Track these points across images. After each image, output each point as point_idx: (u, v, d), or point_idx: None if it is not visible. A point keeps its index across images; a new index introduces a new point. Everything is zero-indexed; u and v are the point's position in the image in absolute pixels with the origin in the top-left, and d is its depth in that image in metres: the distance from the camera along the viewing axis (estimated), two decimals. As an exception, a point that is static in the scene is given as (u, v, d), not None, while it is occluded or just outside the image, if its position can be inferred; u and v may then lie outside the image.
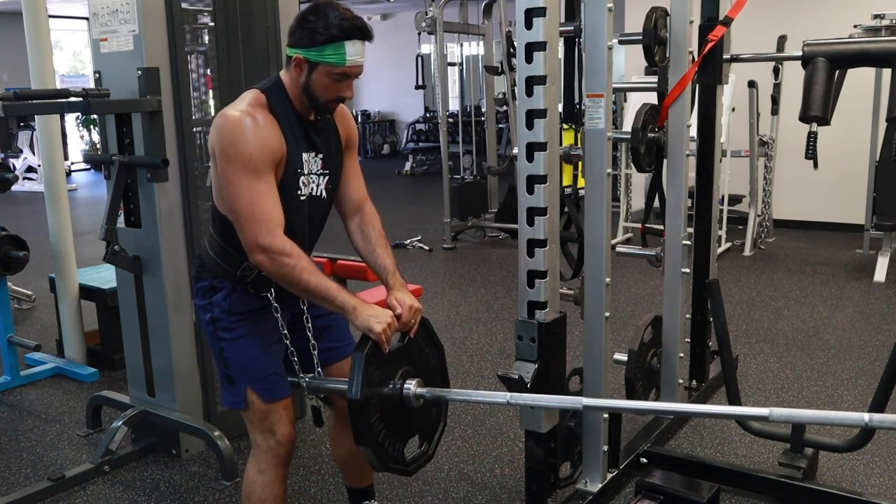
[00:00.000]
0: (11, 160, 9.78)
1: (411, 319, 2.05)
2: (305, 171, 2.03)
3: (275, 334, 2.11)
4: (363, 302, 1.97)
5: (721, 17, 3.13)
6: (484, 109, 7.63)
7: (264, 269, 1.94)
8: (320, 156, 2.07)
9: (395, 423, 2.02)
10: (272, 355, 2.11)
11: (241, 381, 2.08)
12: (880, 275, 5.54)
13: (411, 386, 2.02)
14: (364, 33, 1.93)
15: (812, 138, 3.45)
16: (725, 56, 3.21)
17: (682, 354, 3.24)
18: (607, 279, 2.56)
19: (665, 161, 3.09)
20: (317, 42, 1.90)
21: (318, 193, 2.09)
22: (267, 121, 1.94)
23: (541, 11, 2.17)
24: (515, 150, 2.35)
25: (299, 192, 2.03)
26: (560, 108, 2.58)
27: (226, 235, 2.04)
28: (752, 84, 6.20)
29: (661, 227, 3.21)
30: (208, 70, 3.11)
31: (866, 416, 1.52)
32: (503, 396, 2.04)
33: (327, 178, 2.10)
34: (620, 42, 3.09)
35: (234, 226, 1.96)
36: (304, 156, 2.03)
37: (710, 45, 3.06)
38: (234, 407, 2.13)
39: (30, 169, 11.41)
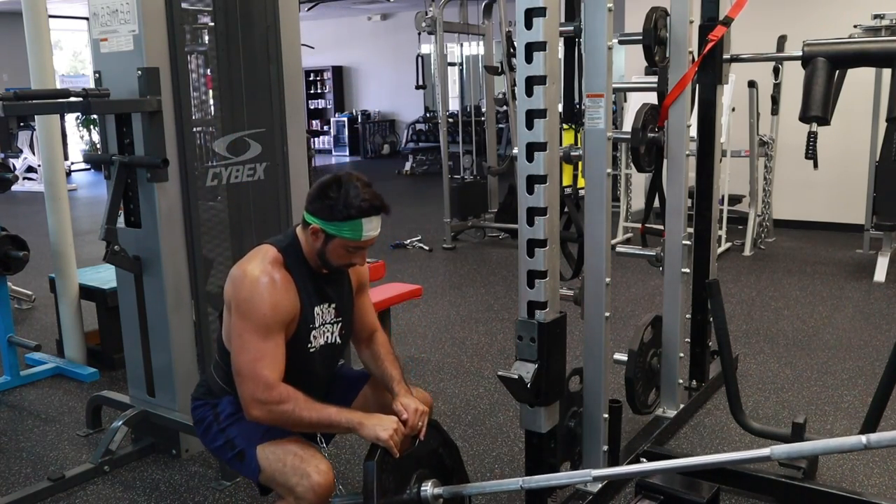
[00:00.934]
0: (11, 160, 9.78)
1: (418, 422, 2.08)
2: (317, 324, 2.12)
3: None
4: (366, 414, 2.03)
5: (721, 17, 3.13)
6: (484, 109, 7.63)
7: (263, 422, 2.00)
8: (333, 305, 2.16)
9: None
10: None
11: (249, 446, 2.07)
12: (880, 275, 5.54)
13: (427, 487, 2.06)
14: (382, 210, 2.02)
15: (812, 138, 3.45)
16: (725, 56, 3.21)
17: (682, 354, 3.24)
18: (607, 279, 2.56)
19: (665, 161, 3.09)
20: (335, 218, 1.98)
21: (333, 341, 2.18)
22: (283, 281, 2.02)
23: (541, 11, 2.17)
24: (515, 150, 2.35)
25: (310, 346, 2.12)
26: (560, 108, 2.58)
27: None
28: (752, 84, 6.20)
29: (661, 227, 3.21)
30: (208, 70, 3.11)
31: (864, 439, 1.54)
32: (516, 483, 2.09)
33: (340, 324, 2.20)
34: (620, 42, 3.09)
35: (234, 376, 2.01)
36: (317, 309, 2.12)
37: (710, 45, 3.06)
38: (255, 477, 2.06)
39: (30, 169, 11.41)
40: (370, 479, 1.92)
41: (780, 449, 1.65)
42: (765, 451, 1.66)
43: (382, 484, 1.93)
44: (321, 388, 2.22)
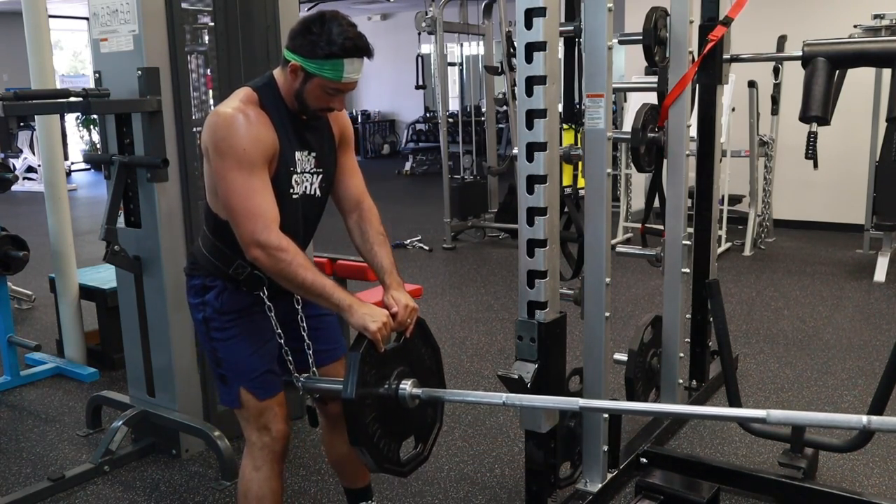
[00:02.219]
0: (11, 160, 9.79)
1: (407, 319, 2.04)
2: (298, 170, 2.03)
3: (268, 333, 2.11)
4: (359, 300, 1.97)
5: (721, 17, 3.13)
6: (484, 109, 7.63)
7: (260, 265, 1.93)
8: (313, 154, 2.07)
9: (391, 423, 2.01)
10: (265, 354, 2.11)
11: (235, 381, 2.08)
12: (880, 275, 5.54)
13: (407, 386, 2.01)
14: (365, 52, 1.94)
15: (812, 138, 3.45)
16: (725, 56, 3.21)
17: (682, 354, 3.24)
18: (607, 279, 2.56)
19: (665, 161, 3.09)
20: (316, 55, 1.90)
21: (312, 192, 2.09)
22: (259, 117, 1.94)
23: (541, 11, 2.17)
24: (515, 150, 2.35)
25: (292, 191, 2.03)
26: (560, 108, 2.58)
27: (218, 233, 2.04)
28: (752, 84, 6.20)
29: (661, 227, 3.21)
30: (208, 70, 3.11)
31: (865, 419, 1.51)
32: (499, 397, 2.03)
33: (321, 176, 2.10)
34: (620, 42, 3.09)
35: (230, 222, 1.95)
36: (297, 154, 2.02)
37: (710, 45, 3.06)
38: (229, 405, 2.14)
39: (30, 169, 11.41)
40: (352, 371, 1.89)
41: (777, 413, 1.62)
42: (761, 413, 1.64)
43: (363, 375, 1.91)
44: (303, 243, 2.12)
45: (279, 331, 2.10)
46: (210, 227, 2.08)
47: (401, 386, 2.01)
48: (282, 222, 1.95)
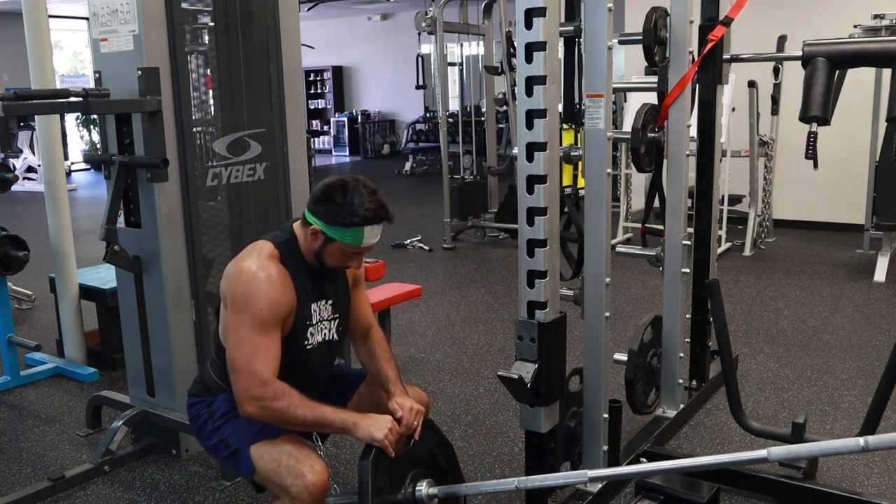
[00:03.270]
0: (11, 160, 9.78)
1: (413, 421, 2.08)
2: (314, 321, 2.12)
3: None
4: (361, 415, 2.01)
5: (721, 17, 3.13)
6: (484, 109, 7.63)
7: (258, 419, 1.99)
8: (330, 302, 2.16)
9: None
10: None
11: (244, 444, 2.07)
12: (880, 275, 5.54)
13: (423, 487, 2.05)
14: (384, 219, 2.02)
15: (812, 138, 3.44)
16: (725, 56, 3.21)
17: (682, 354, 3.24)
18: (607, 279, 2.56)
19: (665, 161, 3.08)
20: (338, 223, 1.98)
21: (330, 337, 2.18)
22: (280, 276, 2.01)
23: (541, 11, 2.17)
24: (515, 150, 2.35)
25: (307, 342, 2.11)
26: (560, 108, 2.57)
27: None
28: (752, 84, 6.20)
29: (661, 227, 3.21)
30: (208, 70, 3.10)
31: (862, 441, 1.53)
32: (511, 483, 2.08)
33: (338, 321, 2.19)
34: (620, 42, 3.08)
35: (229, 371, 2.00)
36: (314, 306, 2.11)
37: (710, 45, 3.06)
38: (250, 476, 2.07)
39: (30, 169, 11.41)
40: (364, 479, 1.91)
41: (778, 450, 1.64)
42: (762, 453, 1.66)
43: (377, 484, 1.93)
44: (318, 385, 2.22)
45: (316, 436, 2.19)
46: (222, 358, 2.12)
47: (417, 488, 2.05)
48: (296, 371, 2.04)
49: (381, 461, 1.96)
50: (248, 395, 1.95)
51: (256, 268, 1.99)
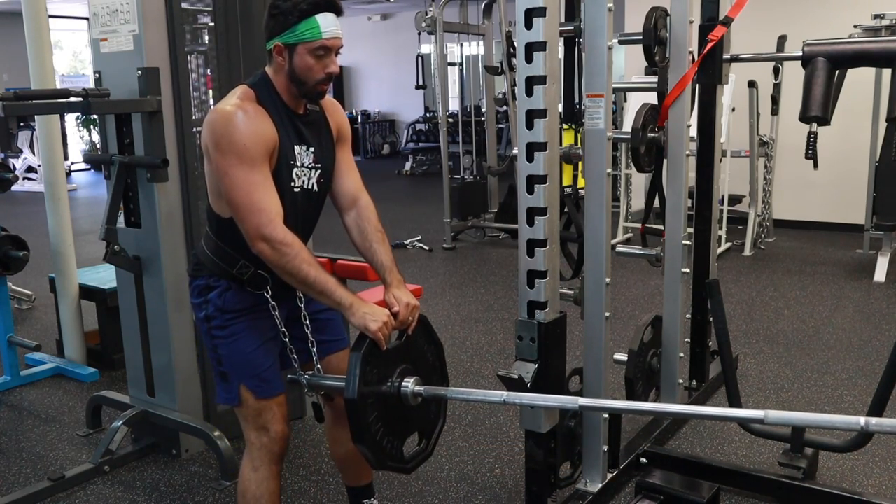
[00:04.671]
0: (11, 160, 9.79)
1: (409, 317, 2.05)
2: (298, 164, 2.04)
3: (271, 331, 2.11)
4: (360, 300, 1.97)
5: (721, 17, 3.13)
6: (484, 109, 7.63)
7: (265, 258, 1.94)
8: (311, 149, 2.08)
9: (394, 421, 2.02)
10: (267, 352, 2.11)
11: (235, 379, 2.08)
12: (880, 275, 5.54)
13: (409, 384, 2.02)
14: (333, 6, 1.95)
15: (812, 138, 3.45)
16: (725, 56, 3.21)
17: (682, 354, 3.24)
18: (607, 279, 2.56)
19: (665, 161, 3.09)
20: (289, 24, 1.93)
21: (310, 187, 2.09)
22: (258, 112, 1.96)
23: (541, 11, 2.17)
24: (515, 150, 2.35)
25: (293, 184, 2.04)
26: (560, 108, 2.58)
27: (221, 233, 2.04)
28: (752, 84, 6.19)
29: (661, 227, 3.21)
30: (208, 70, 3.11)
31: (862, 420, 1.50)
32: (499, 395, 2.03)
33: (319, 171, 2.10)
34: (620, 42, 3.09)
35: (234, 217, 1.96)
36: (296, 148, 2.04)
37: (710, 45, 3.06)
38: (228, 403, 2.13)
39: (30, 169, 11.41)
40: (353, 371, 1.89)
41: (774, 414, 1.63)
42: (759, 413, 1.65)
43: (365, 374, 1.91)
44: (304, 238, 2.12)
45: (283, 328, 2.10)
46: (213, 229, 2.09)
47: (403, 384, 2.02)
48: (284, 216, 1.96)
49: (373, 354, 1.94)
50: (259, 233, 1.90)
51: (232, 106, 1.94)
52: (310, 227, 2.20)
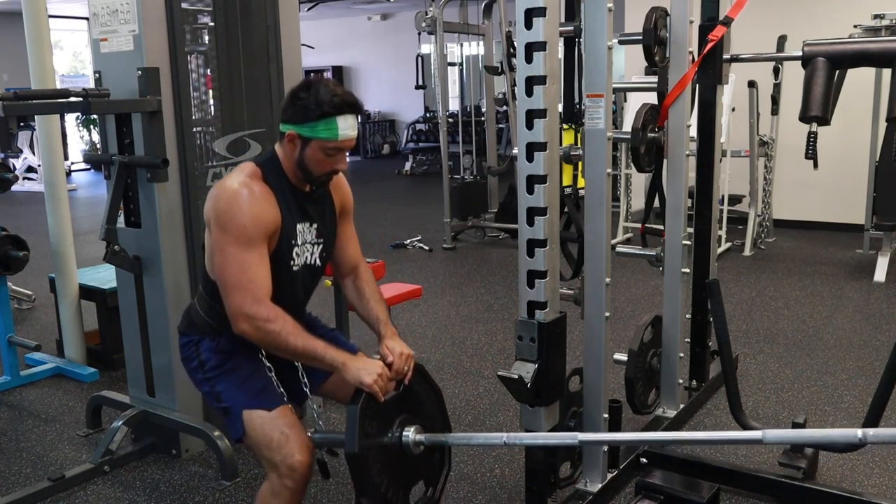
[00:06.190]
0: (11, 160, 9.78)
1: (404, 366, 2.06)
2: (299, 242, 2.08)
3: (265, 370, 2.12)
4: (352, 356, 2.00)
5: (721, 17, 3.13)
6: (484, 109, 7.63)
7: (248, 338, 1.97)
8: (314, 225, 2.12)
9: (397, 471, 2.03)
10: (263, 376, 2.11)
11: (237, 406, 2.06)
12: (880, 275, 5.54)
13: (410, 433, 2.04)
14: (355, 108, 1.98)
15: (812, 138, 3.44)
16: (725, 56, 3.21)
17: (682, 354, 3.24)
18: (607, 279, 2.56)
19: (665, 161, 3.09)
20: (309, 119, 1.94)
21: (312, 262, 2.14)
22: (263, 192, 1.99)
23: (541, 11, 2.17)
24: (515, 150, 2.35)
25: (292, 263, 2.08)
26: (560, 108, 2.58)
27: (216, 296, 2.06)
28: (752, 84, 6.20)
29: (661, 227, 3.21)
30: (208, 70, 3.10)
31: (860, 433, 1.52)
32: (500, 437, 2.07)
33: (321, 246, 2.16)
34: (620, 42, 3.09)
35: (221, 293, 1.99)
36: (299, 226, 2.08)
37: (710, 45, 3.06)
38: (237, 437, 2.08)
39: (30, 169, 11.41)
40: (353, 424, 1.90)
41: (773, 433, 1.63)
42: (757, 434, 1.66)
43: (364, 428, 1.92)
44: (300, 312, 2.19)
45: (281, 389, 2.12)
46: (207, 291, 2.12)
47: (404, 433, 2.04)
48: (281, 293, 2.00)
49: (370, 406, 1.95)
50: (242, 312, 1.92)
51: (238, 185, 1.96)
52: (307, 300, 2.25)
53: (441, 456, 2.20)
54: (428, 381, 2.19)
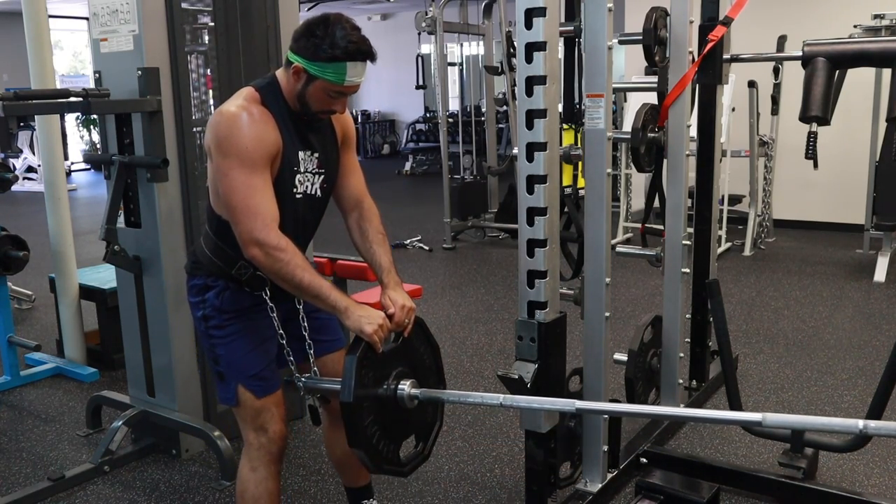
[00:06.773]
0: (11, 160, 9.79)
1: (405, 319, 2.03)
2: (301, 170, 2.03)
3: (268, 331, 2.11)
4: (355, 302, 1.96)
5: (721, 17, 3.13)
6: (484, 109, 7.63)
7: (258, 264, 1.93)
8: (316, 154, 2.07)
9: (390, 424, 2.01)
10: (263, 352, 2.11)
11: (232, 379, 2.08)
12: (880, 275, 5.54)
13: (405, 387, 2.00)
14: (367, 55, 1.93)
15: (812, 138, 3.45)
16: (725, 56, 3.21)
17: (682, 354, 3.24)
18: (607, 279, 2.56)
19: (665, 161, 3.09)
20: (319, 58, 1.90)
21: (314, 192, 2.08)
22: (263, 116, 1.94)
23: (541, 11, 2.17)
24: (515, 150, 2.35)
25: (295, 191, 2.03)
26: (560, 108, 2.58)
27: (221, 234, 2.03)
28: (752, 84, 6.20)
29: (661, 227, 3.21)
30: (208, 70, 3.11)
31: (861, 423, 1.49)
32: (497, 398, 2.01)
33: (323, 176, 2.10)
34: (620, 42, 3.09)
35: (229, 220, 1.95)
36: (300, 154, 2.02)
37: (710, 45, 3.06)
38: (226, 403, 2.13)
39: (30, 169, 11.41)
40: (349, 374, 1.88)
41: (773, 417, 1.62)
42: (757, 416, 1.65)
43: (360, 378, 1.90)
44: (303, 243, 2.13)
45: (281, 331, 2.09)
46: (213, 228, 2.08)
47: (399, 387, 2.00)
48: (283, 222, 1.95)
49: (368, 357, 1.93)
50: (252, 237, 1.89)
51: (236, 108, 1.92)
52: (310, 232, 2.19)
53: (434, 412, 2.16)
54: (427, 335, 2.15)
